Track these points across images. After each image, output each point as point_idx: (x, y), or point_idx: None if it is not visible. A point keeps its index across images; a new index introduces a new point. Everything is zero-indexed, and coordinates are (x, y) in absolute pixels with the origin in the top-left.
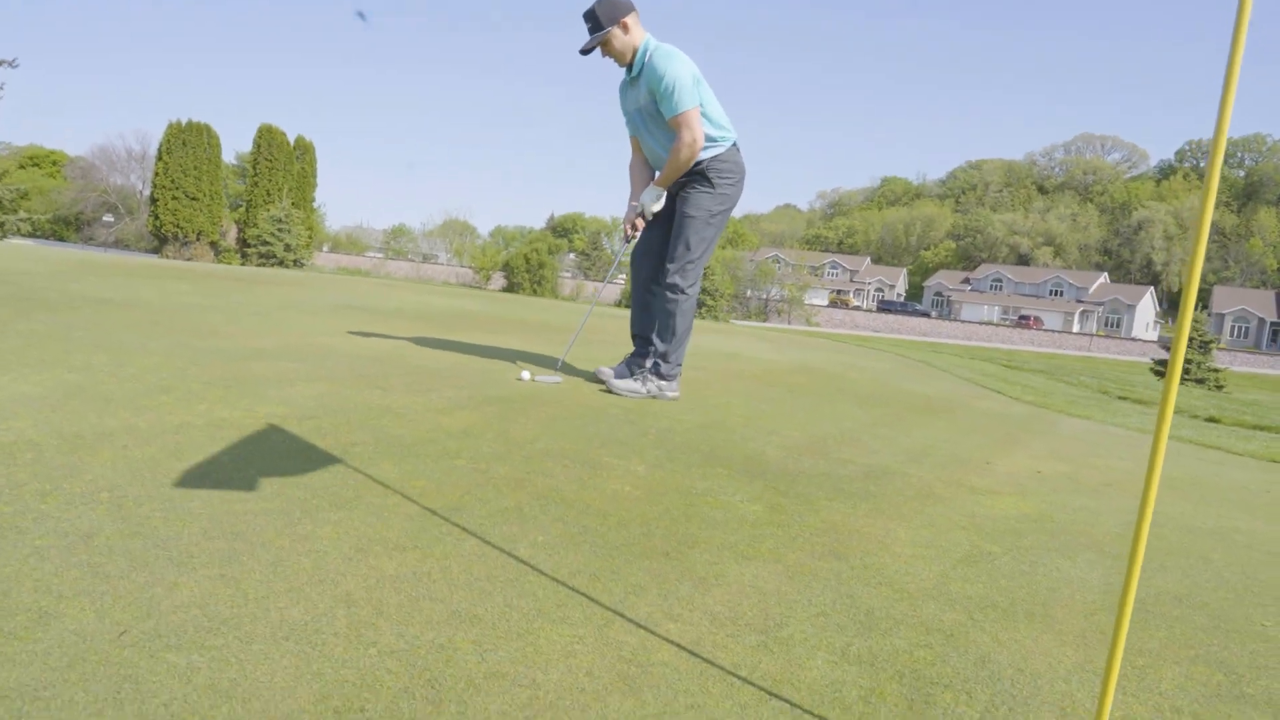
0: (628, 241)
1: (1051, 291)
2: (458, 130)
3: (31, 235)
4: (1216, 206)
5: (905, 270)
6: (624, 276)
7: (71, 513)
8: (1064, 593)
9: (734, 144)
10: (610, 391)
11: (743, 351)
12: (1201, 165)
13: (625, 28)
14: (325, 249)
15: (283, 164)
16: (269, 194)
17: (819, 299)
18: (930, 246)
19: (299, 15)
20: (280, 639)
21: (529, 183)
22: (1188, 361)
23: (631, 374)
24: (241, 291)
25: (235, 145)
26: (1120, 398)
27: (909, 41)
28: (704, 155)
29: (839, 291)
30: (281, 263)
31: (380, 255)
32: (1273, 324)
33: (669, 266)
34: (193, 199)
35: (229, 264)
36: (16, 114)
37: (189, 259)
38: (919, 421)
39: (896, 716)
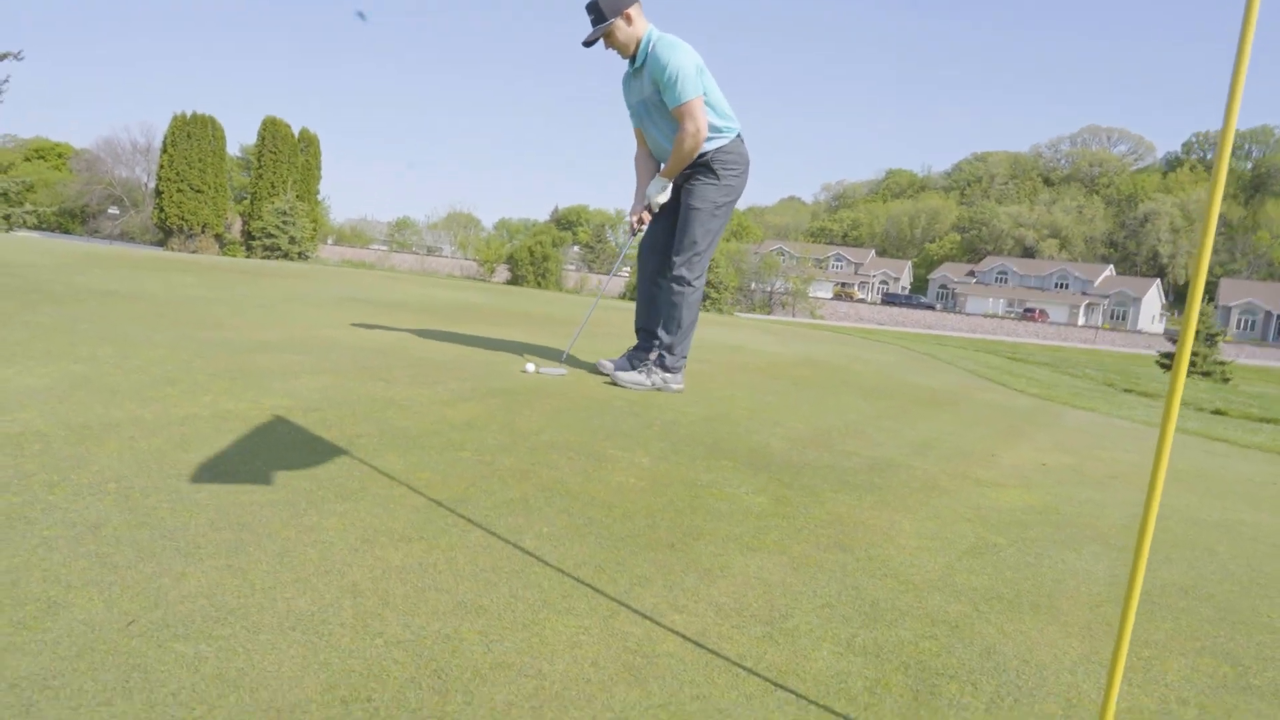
0: (633, 234)
1: (1057, 284)
2: (462, 123)
3: (37, 228)
4: (1224, 198)
5: (910, 263)
6: (629, 269)
7: (79, 503)
8: (1069, 584)
9: (738, 135)
10: (615, 384)
11: (747, 344)
12: (1208, 157)
13: (628, 19)
14: (330, 242)
15: (287, 156)
16: (273, 186)
17: (823, 292)
18: (935, 239)
19: (303, 6)
20: (287, 629)
21: (533, 175)
22: (1194, 354)
23: (633, 367)
24: (246, 284)
25: (240, 138)
26: (1126, 390)
27: (914, 32)
28: (708, 146)
29: (843, 284)
30: (286, 255)
31: (385, 248)
32: None
33: (675, 259)
34: (197, 192)
35: (234, 256)
36: (22, 106)
37: (194, 252)
38: (924, 414)
39: (902, 707)
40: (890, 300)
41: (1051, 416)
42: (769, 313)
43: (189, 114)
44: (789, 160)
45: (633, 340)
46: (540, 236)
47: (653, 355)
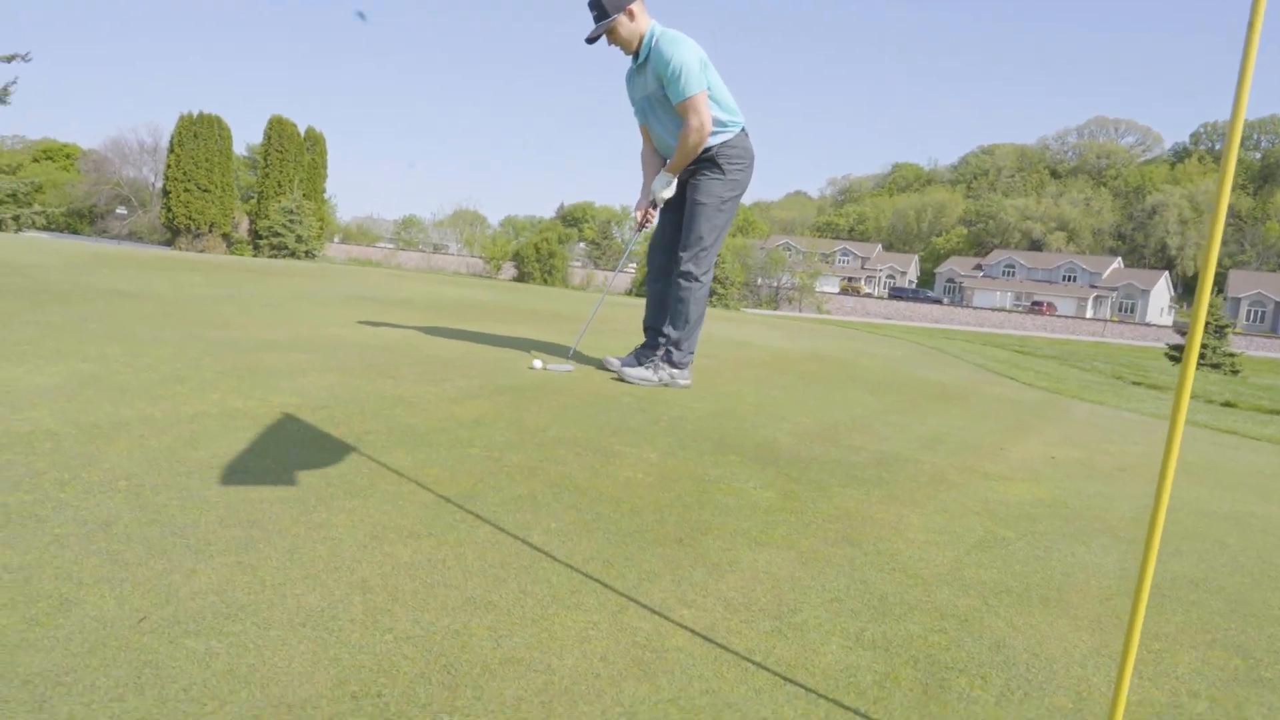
0: (639, 230)
1: (1065, 277)
2: (467, 120)
3: (46, 228)
4: (1232, 189)
5: (917, 257)
6: (634, 265)
7: (90, 501)
8: (1079, 578)
9: (743, 129)
10: (622, 380)
11: (754, 339)
12: (1217, 148)
13: (631, 15)
14: (336, 240)
15: (293, 155)
16: (280, 185)
17: (830, 286)
18: (942, 233)
19: (308, 5)
20: (297, 625)
21: (539, 172)
22: (1203, 346)
23: (640, 364)
24: (253, 283)
25: (246, 137)
26: (1135, 383)
27: (919, 25)
28: (713, 141)
29: (850, 279)
30: (293, 254)
31: (391, 246)
32: None
33: (682, 255)
34: (204, 191)
35: (241, 255)
36: (29, 107)
37: (201, 251)
38: (931, 408)
39: (911, 701)
40: (897, 294)
41: (1060, 410)
42: (775, 308)
43: (195, 114)
44: (795, 155)
45: (639, 337)
46: (546, 233)
47: (659, 351)
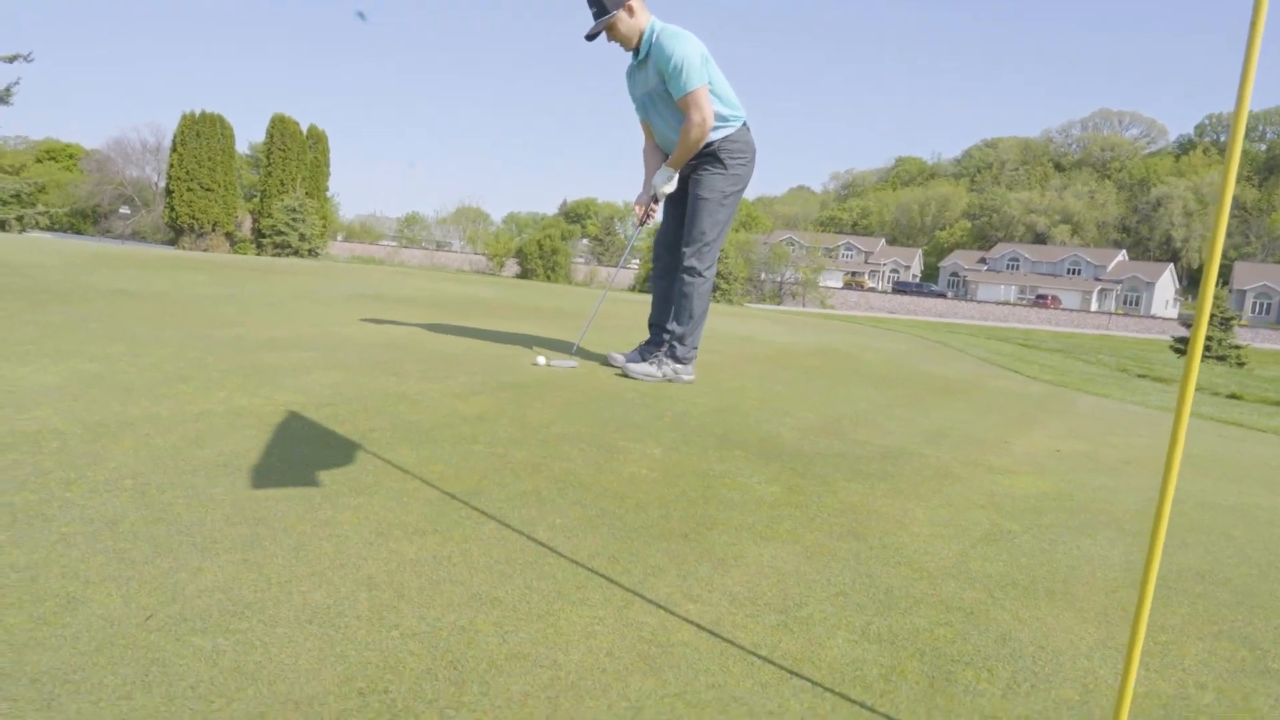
0: (640, 225)
1: (1069, 270)
2: (469, 117)
3: (50, 229)
4: (1238, 181)
5: (920, 251)
6: (637, 261)
7: (96, 500)
8: (1085, 570)
9: (744, 123)
10: (626, 376)
11: (757, 334)
12: (1222, 140)
13: (630, 11)
14: (339, 238)
15: (296, 154)
16: (283, 184)
17: (834, 281)
18: (946, 226)
19: (309, 3)
20: (304, 622)
21: (542, 169)
22: (1208, 339)
23: (644, 359)
24: (257, 281)
25: (248, 136)
26: (1140, 376)
27: (921, 18)
28: (715, 136)
29: (854, 273)
30: (296, 252)
31: (394, 243)
32: None
33: (685, 250)
34: (207, 190)
35: (244, 254)
36: (30, 107)
37: (205, 250)
38: (936, 402)
39: (917, 694)
40: (901, 289)
41: (1064, 403)
42: (779, 303)
43: (198, 113)
44: (797, 150)
45: (642, 333)
46: (549, 230)
47: (663, 347)
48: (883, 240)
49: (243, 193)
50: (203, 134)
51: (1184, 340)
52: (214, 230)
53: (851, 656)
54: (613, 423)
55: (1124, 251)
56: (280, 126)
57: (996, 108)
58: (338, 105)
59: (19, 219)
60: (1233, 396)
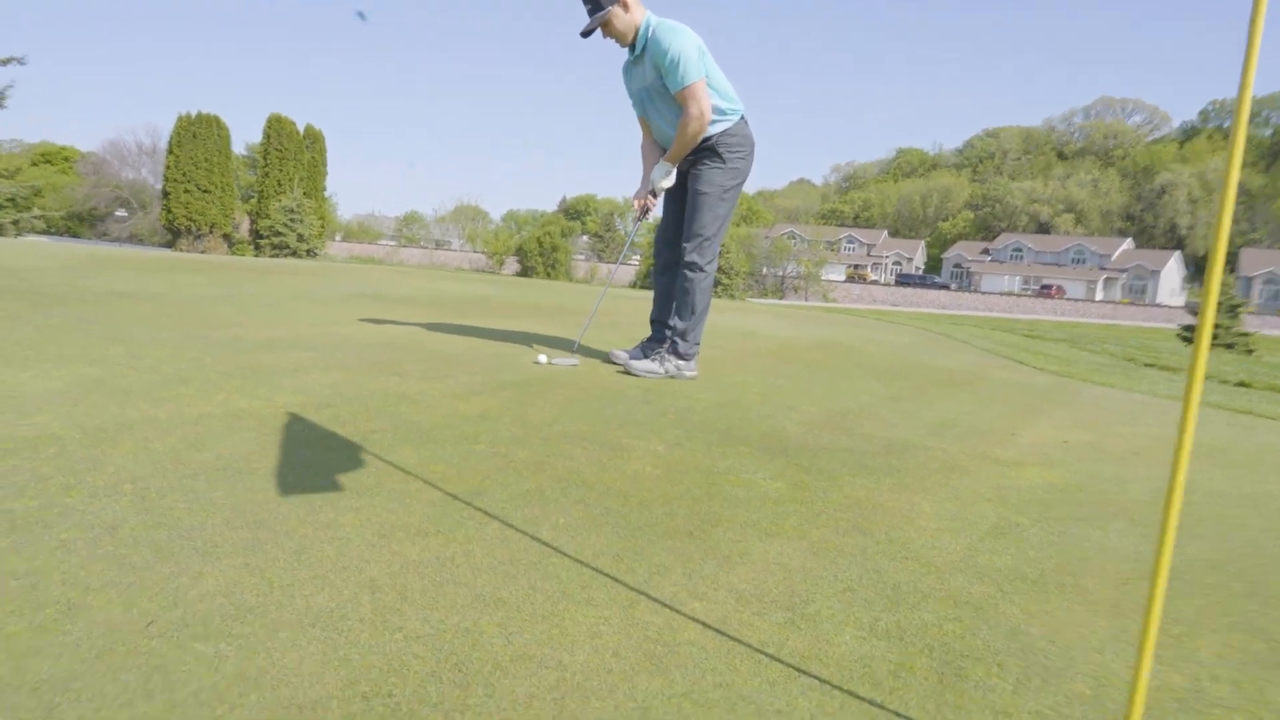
0: (639, 221)
1: (1073, 259)
2: (467, 115)
3: (46, 232)
4: (1242, 166)
5: (923, 243)
6: (638, 257)
7: (96, 505)
8: (1095, 562)
9: (742, 117)
10: (628, 373)
11: (759, 329)
12: (1226, 125)
13: (625, 6)
14: (338, 238)
15: (293, 154)
16: (280, 184)
17: (836, 274)
18: (948, 218)
19: (304, 4)
20: (306, 626)
21: (540, 166)
22: (1216, 326)
23: (646, 356)
24: (255, 282)
25: (245, 136)
26: (1146, 365)
27: (920, 8)
28: (713, 130)
29: (856, 266)
30: (294, 253)
31: (393, 243)
32: None
33: (685, 245)
34: (204, 191)
35: (242, 256)
36: (26, 110)
37: (203, 252)
38: (940, 394)
39: (927, 690)
40: (904, 281)
41: (1071, 393)
42: (781, 297)
43: (194, 114)
44: (798, 142)
45: (644, 330)
46: (549, 227)
47: (665, 343)
48: (885, 232)
49: (240, 194)
50: (199, 135)
51: (1191, 328)
52: (211, 232)
53: (860, 653)
54: (615, 420)
55: (1129, 240)
56: (277, 127)
57: (997, 97)
58: (335, 105)
59: (15, 223)
60: (1241, 384)
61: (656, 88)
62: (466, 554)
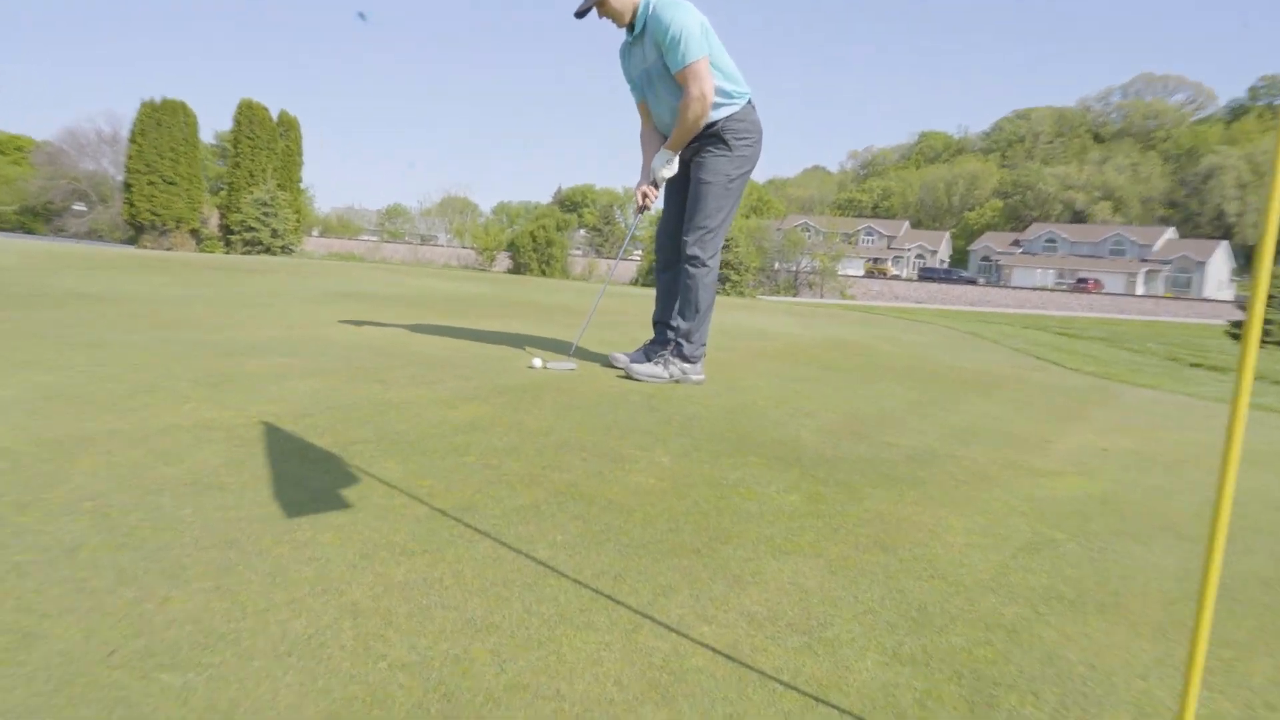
0: (640, 213)
1: (1112, 251)
2: (455, 100)
3: None
4: None
5: (948, 234)
6: (639, 252)
7: (53, 525)
8: (1138, 581)
9: (749, 101)
10: (629, 377)
11: (771, 328)
12: (1277, 103)
13: None
14: (315, 233)
15: (266, 142)
16: (252, 175)
17: (854, 269)
18: (975, 207)
19: None
20: (282, 654)
21: (533, 154)
22: (1266, 322)
23: (649, 360)
24: (226, 282)
25: (213, 124)
26: (1193, 365)
27: None
28: (718, 115)
29: (876, 260)
30: (268, 249)
31: (375, 238)
32: None
33: (686, 238)
34: (170, 183)
35: (212, 253)
36: None
37: (168, 249)
38: (968, 398)
39: None
40: (927, 275)
41: (1110, 396)
42: (795, 294)
43: (158, 100)
44: (812, 127)
45: (646, 331)
46: (543, 220)
47: (669, 345)
48: (906, 223)
49: (209, 186)
50: (164, 123)
51: (1240, 324)
52: (178, 227)
53: (882, 680)
54: (616, 429)
55: (1172, 229)
56: (248, 113)
57: (1028, 75)
58: (310, 90)
59: None
60: None
61: (657, 69)
62: (456, 575)
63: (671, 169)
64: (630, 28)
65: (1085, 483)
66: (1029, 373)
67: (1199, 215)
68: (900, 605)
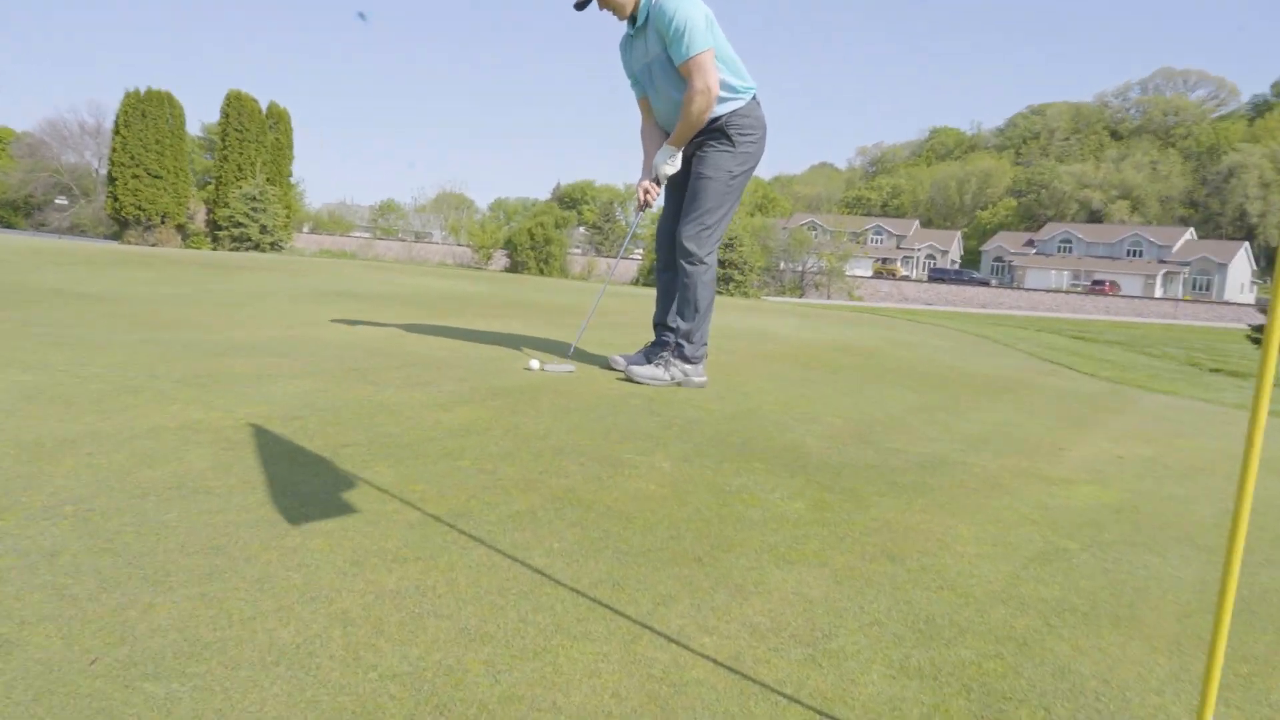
0: (641, 210)
1: (1129, 252)
2: (450, 93)
3: None
4: None
5: (960, 233)
6: (640, 251)
7: (33, 529)
8: (1153, 593)
9: (754, 96)
10: (629, 380)
11: (777, 330)
12: None
13: None
14: (306, 229)
15: (255, 135)
16: (240, 169)
17: (862, 269)
18: (988, 205)
19: None
20: (270, 664)
21: (532, 149)
22: None
23: (649, 362)
24: (213, 279)
25: (201, 115)
26: (1212, 370)
27: None
28: (722, 110)
29: (885, 260)
30: (257, 246)
31: (367, 235)
32: None
33: (684, 234)
34: (155, 177)
35: (199, 249)
36: None
37: (153, 244)
38: (979, 403)
39: None
40: (938, 276)
41: (1126, 402)
42: (801, 295)
43: (143, 91)
44: (819, 122)
45: (647, 332)
46: (541, 218)
47: (670, 347)
48: (916, 222)
49: (195, 180)
50: (149, 114)
51: (1261, 328)
52: (163, 222)
53: (889, 694)
54: (615, 433)
55: (1191, 229)
56: (237, 105)
57: (1043, 70)
58: (301, 80)
59: None
60: None
61: (660, 63)
62: (449, 583)
63: (674, 165)
64: (632, 20)
65: (1099, 491)
66: (1042, 377)
67: (1220, 215)
68: (907, 617)
